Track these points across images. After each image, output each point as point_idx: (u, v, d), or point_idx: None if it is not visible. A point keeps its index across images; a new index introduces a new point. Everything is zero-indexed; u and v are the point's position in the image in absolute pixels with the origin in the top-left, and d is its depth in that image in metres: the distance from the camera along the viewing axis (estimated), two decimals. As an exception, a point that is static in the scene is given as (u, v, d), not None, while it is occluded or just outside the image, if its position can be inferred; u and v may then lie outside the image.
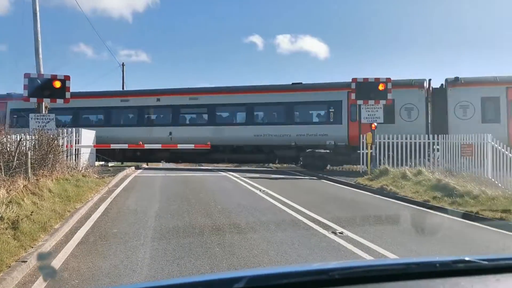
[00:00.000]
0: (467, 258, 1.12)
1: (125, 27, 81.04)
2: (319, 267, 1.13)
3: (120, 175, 16.20)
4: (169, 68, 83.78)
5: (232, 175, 17.89)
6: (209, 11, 78.73)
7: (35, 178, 10.36)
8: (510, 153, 13.14)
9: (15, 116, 23.71)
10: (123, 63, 35.79)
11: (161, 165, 25.56)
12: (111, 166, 21.61)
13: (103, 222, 8.16)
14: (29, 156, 10.94)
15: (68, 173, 12.84)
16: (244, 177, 16.66)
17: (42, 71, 15.23)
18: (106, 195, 11.46)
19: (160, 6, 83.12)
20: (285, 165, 23.12)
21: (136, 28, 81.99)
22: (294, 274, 1.09)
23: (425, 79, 19.51)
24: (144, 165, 23.96)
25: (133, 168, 20.28)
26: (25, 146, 12.40)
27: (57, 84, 14.75)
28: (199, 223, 8.02)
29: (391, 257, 5.91)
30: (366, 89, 17.46)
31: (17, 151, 11.25)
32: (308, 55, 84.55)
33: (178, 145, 20.35)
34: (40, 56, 15.17)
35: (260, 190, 12.80)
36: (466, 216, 9.15)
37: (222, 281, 1.11)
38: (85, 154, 17.89)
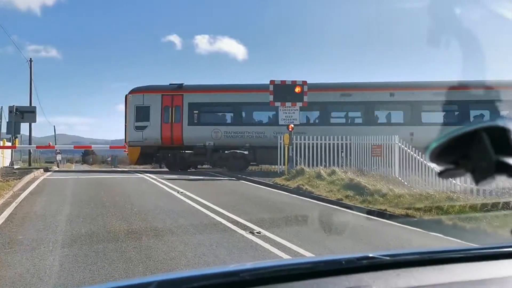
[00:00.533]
0: (370, 255, 1.17)
1: (33, 21, 76.48)
2: (230, 269, 1.13)
3: (27, 177, 15.22)
4: (83, 65, 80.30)
5: (149, 176, 17.49)
6: (125, 9, 76.58)
7: None
8: (415, 153, 14.07)
9: (196, 111, 20.18)
10: (30, 58, 33.63)
11: (73, 167, 24.37)
12: (17, 168, 20.24)
13: (7, 228, 7.60)
14: None
15: (-33, 176, 11.84)
16: (162, 179, 16.35)
17: None
18: (10, 200, 10.70)
19: (71, 0, 79.33)
20: (204, 166, 23.00)
21: (46, 22, 77.74)
22: (205, 277, 1.08)
23: None
24: (55, 167, 22.70)
25: (41, 170, 19.14)
26: None
27: None
28: (114, 226, 7.73)
29: (307, 255, 6.08)
30: (284, 91, 17.85)
31: None
32: (227, 56, 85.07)
33: None
34: None
35: (178, 192, 12.63)
36: (376, 213, 9.66)
37: (129, 287, 1.06)
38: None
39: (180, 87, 20.36)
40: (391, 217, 9.23)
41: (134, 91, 20.67)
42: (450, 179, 12.39)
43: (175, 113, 19.99)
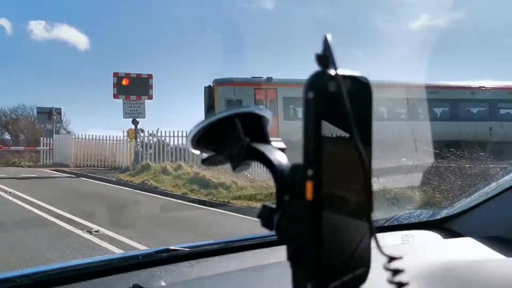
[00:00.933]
0: (171, 247, 1.15)
1: None
2: (5, 275, 1.00)
3: None
4: None
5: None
6: None
7: None
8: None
9: (291, 106, 18.49)
10: None
11: None
12: None
13: None
14: None
15: None
16: (-13, 178, 14.60)
17: None
18: None
19: None
20: (39, 162, 21.20)
21: None
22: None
23: None
24: None
25: None
26: None
27: None
28: None
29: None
30: (128, 84, 17.26)
31: None
32: (66, 44, 78.75)
33: None
34: None
35: (6, 192, 11.38)
36: (219, 205, 9.91)
37: None
38: None
39: (269, 80, 19.68)
40: (233, 208, 9.55)
41: (221, 83, 19.38)
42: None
43: (270, 107, 18.98)
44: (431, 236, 1.36)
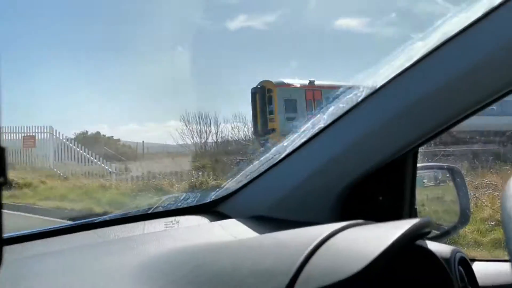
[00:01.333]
0: None
1: None
2: None
3: None
4: None
5: None
6: None
7: None
8: (70, 143, 13.81)
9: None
10: None
11: None
12: None
13: None
14: None
15: None
16: None
17: None
18: None
19: None
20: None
21: None
22: None
23: None
24: None
25: None
26: None
27: None
28: None
29: None
30: None
31: None
32: None
33: None
34: None
35: None
36: (24, 208, 8.96)
37: None
38: None
39: (312, 83, 21.64)
40: (41, 211, 8.74)
41: (277, 84, 21.30)
42: (106, 167, 12.65)
43: (317, 106, 19.20)
44: (197, 220, 1.30)
